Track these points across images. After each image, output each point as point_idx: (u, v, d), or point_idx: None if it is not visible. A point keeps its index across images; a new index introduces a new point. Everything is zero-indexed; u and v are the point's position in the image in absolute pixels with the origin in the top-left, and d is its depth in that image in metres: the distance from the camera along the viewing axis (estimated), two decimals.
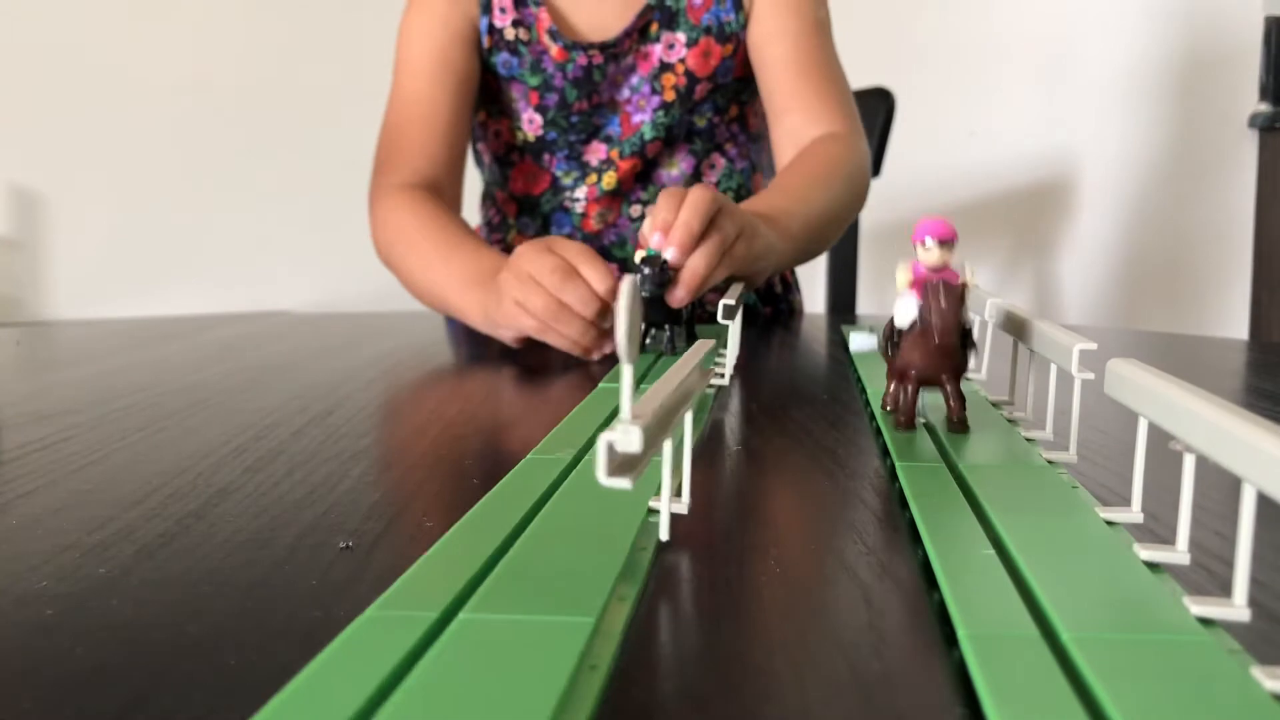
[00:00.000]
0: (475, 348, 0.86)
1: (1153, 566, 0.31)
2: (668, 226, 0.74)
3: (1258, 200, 1.94)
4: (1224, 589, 0.30)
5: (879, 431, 0.51)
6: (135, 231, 2.07)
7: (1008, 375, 0.56)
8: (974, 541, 0.33)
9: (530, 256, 0.77)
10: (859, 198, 1.04)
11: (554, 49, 1.00)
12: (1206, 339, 1.02)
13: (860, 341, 0.53)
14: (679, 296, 0.74)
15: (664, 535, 0.35)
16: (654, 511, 0.37)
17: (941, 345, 0.47)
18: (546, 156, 1.05)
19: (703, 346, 0.41)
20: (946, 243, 0.48)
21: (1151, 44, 1.99)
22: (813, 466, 0.46)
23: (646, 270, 0.73)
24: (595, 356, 0.77)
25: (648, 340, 0.76)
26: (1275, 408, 0.60)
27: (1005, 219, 2.03)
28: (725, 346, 0.70)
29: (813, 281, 1.49)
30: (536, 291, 0.75)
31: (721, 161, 1.08)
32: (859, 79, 1.47)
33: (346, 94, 2.02)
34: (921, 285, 0.48)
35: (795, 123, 1.02)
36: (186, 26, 2.05)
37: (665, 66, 1.01)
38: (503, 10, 1.01)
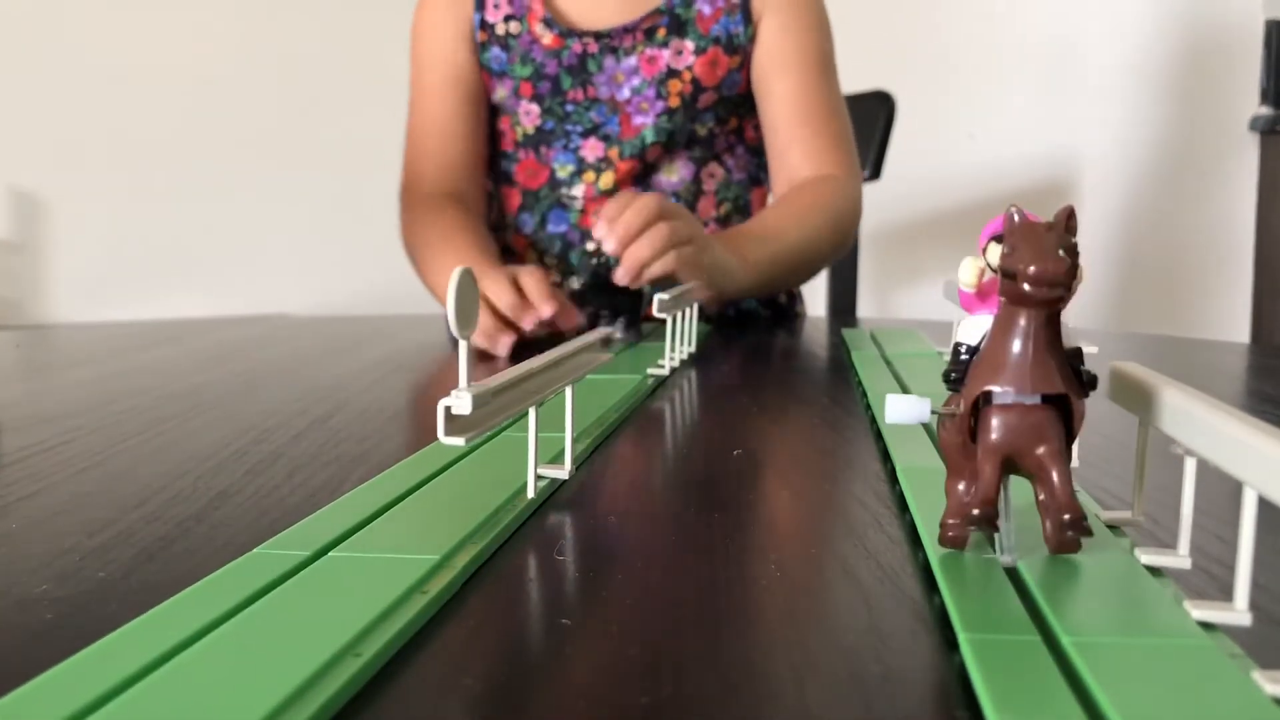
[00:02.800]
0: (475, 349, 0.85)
1: (1153, 570, 0.31)
2: (611, 220, 0.82)
3: (1259, 203, 1.94)
4: (1225, 593, 0.30)
5: (879, 435, 0.51)
6: (135, 234, 2.07)
7: None
8: (973, 548, 0.33)
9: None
10: (843, 236, 1.07)
11: (548, 37, 1.02)
12: (1208, 342, 1.02)
13: (901, 409, 0.33)
14: (619, 274, 0.81)
15: (530, 493, 0.39)
16: (541, 478, 0.41)
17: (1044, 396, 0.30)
18: (544, 149, 1.07)
19: (591, 336, 0.46)
20: None
21: (1152, 47, 1.99)
22: (813, 469, 0.46)
23: (591, 259, 0.84)
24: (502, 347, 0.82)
25: (602, 325, 0.86)
26: (1277, 411, 0.60)
27: None
28: (667, 339, 0.72)
29: (813, 284, 1.49)
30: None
31: (720, 171, 1.09)
32: (860, 81, 1.47)
33: (347, 97, 2.02)
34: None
35: (793, 161, 1.05)
36: (187, 28, 2.05)
37: (673, 73, 1.03)
38: (496, 5, 1.03)
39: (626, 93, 1.03)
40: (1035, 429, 0.30)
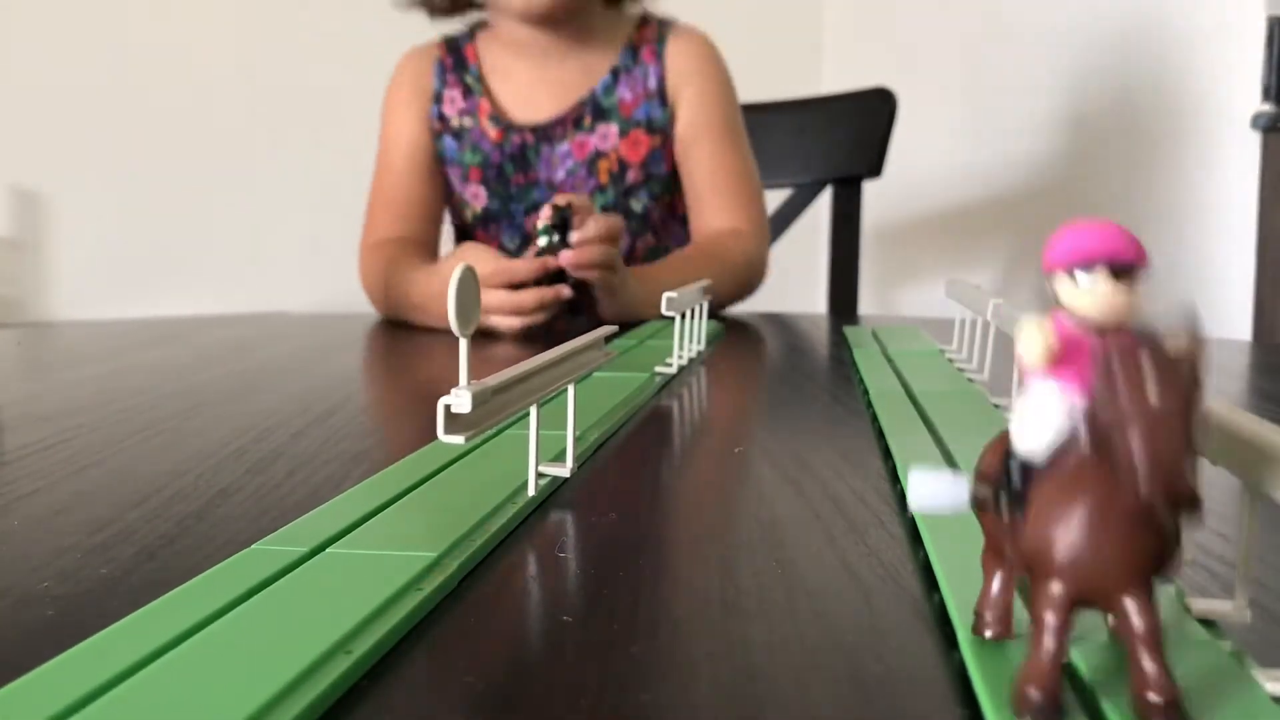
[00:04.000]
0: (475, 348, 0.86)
1: None
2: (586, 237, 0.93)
3: (1260, 201, 1.93)
4: (1225, 590, 0.30)
5: (881, 433, 0.51)
6: (136, 232, 2.07)
7: (1009, 376, 0.56)
8: (975, 543, 0.33)
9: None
10: (739, 285, 1.18)
11: (493, 131, 1.17)
12: (1208, 340, 1.02)
13: (928, 489, 0.26)
14: (565, 257, 0.92)
15: (531, 491, 0.39)
16: (543, 476, 0.40)
17: (1143, 512, 0.20)
18: (493, 226, 1.20)
19: (594, 334, 0.45)
20: (1128, 272, 0.22)
21: (1153, 44, 1.99)
22: (814, 466, 0.46)
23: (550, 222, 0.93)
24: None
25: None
26: (1278, 409, 0.60)
27: (1006, 220, 2.03)
28: (675, 337, 0.72)
29: (813, 282, 1.49)
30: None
31: (653, 240, 1.22)
32: (860, 79, 1.47)
33: (347, 95, 2.01)
34: (1091, 361, 0.21)
35: (707, 218, 1.19)
36: (187, 26, 2.05)
37: (600, 154, 1.17)
38: (451, 101, 1.18)
39: (561, 174, 1.17)
40: (1118, 565, 0.21)
